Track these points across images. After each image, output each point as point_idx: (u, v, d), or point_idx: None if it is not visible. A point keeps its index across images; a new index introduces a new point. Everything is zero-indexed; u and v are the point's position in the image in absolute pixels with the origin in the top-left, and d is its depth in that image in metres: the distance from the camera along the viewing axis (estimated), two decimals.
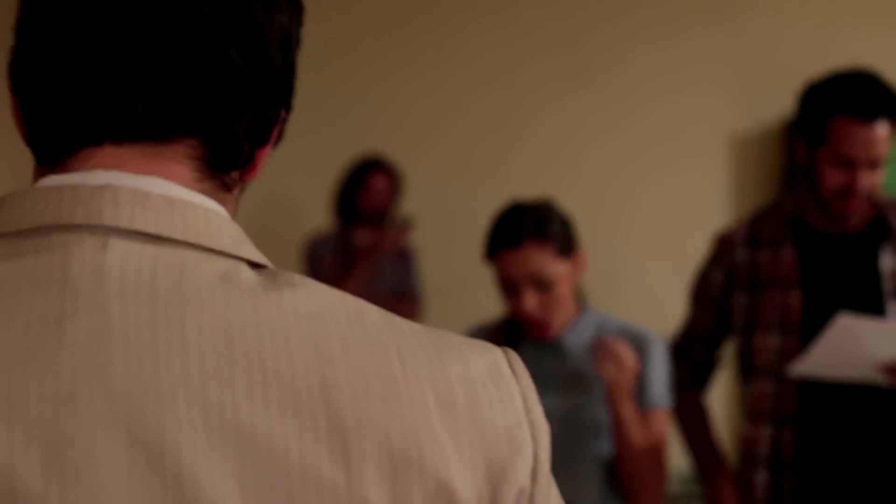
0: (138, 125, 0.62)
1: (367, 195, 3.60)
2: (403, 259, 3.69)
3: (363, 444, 0.57)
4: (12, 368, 0.54)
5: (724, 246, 2.20)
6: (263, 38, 0.64)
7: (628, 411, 1.88)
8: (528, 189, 4.08)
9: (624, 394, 1.87)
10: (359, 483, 0.57)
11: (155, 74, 0.61)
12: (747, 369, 2.16)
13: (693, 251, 4.09)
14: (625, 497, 1.96)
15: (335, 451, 0.57)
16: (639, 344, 1.97)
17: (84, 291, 0.57)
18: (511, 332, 2.06)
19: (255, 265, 0.63)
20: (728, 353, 3.44)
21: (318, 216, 4.05)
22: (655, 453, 1.92)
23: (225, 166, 0.65)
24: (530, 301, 1.92)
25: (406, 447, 0.58)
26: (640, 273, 4.05)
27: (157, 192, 0.61)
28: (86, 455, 0.53)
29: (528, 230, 1.90)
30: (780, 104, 4.08)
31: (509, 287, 1.94)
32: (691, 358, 2.29)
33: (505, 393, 0.63)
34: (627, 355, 1.86)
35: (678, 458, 3.99)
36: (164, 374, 0.55)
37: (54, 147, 0.63)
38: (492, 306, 4.04)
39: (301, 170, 4.07)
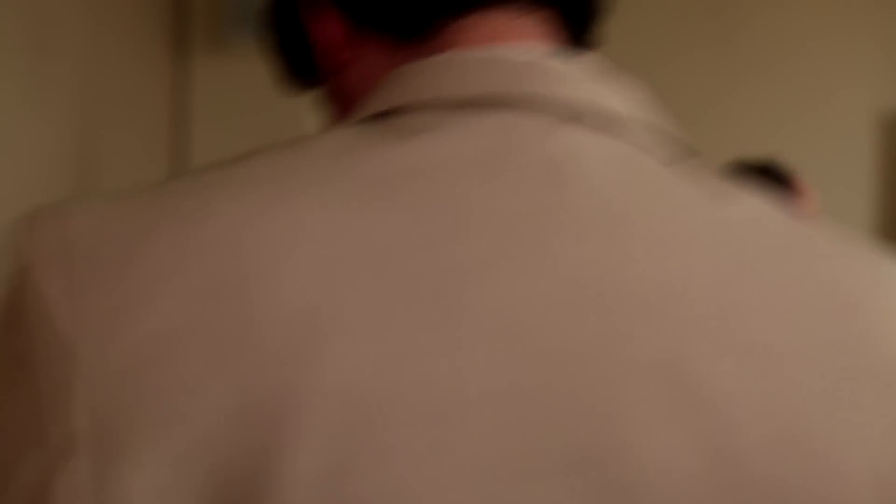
0: None
1: None
2: None
3: (866, 395, 0.45)
4: (500, 275, 0.42)
5: None
6: None
7: None
8: None
9: None
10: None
11: None
12: None
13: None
14: None
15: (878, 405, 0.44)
16: None
17: (549, 183, 0.45)
18: None
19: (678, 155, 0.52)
20: None
21: None
22: None
23: (580, 44, 0.57)
24: None
25: None
26: None
27: (576, 73, 0.51)
28: (616, 382, 0.41)
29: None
30: None
31: None
32: None
33: None
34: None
35: None
36: (687, 285, 0.43)
37: (425, 17, 0.54)
38: None
39: None
